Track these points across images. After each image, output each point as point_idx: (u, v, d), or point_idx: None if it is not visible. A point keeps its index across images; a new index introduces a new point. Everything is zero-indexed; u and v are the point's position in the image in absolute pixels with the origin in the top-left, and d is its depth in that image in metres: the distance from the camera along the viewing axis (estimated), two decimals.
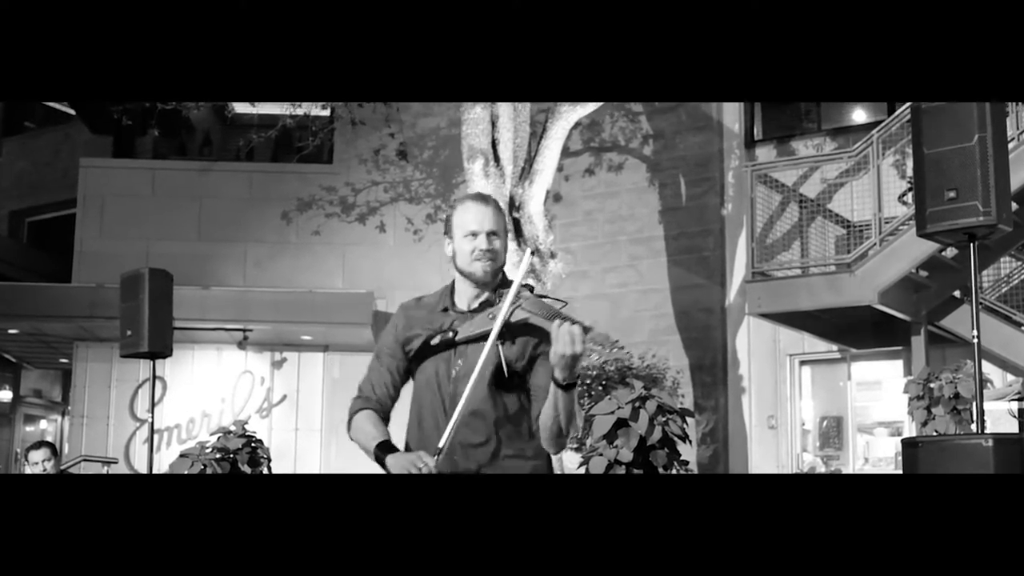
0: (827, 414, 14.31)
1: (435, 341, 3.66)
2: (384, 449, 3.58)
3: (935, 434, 10.01)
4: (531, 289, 3.62)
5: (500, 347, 3.50)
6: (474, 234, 3.62)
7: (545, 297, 3.55)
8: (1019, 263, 12.68)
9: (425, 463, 3.42)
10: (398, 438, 3.72)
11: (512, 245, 11.37)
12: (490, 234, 3.60)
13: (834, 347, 13.82)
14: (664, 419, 9.09)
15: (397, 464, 3.50)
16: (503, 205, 11.41)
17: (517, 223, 11.67)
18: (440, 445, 3.48)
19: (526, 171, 11.92)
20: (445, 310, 3.72)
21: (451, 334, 3.62)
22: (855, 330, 13.05)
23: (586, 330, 3.32)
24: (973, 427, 8.00)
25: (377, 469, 3.59)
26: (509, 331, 3.51)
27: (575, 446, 12.64)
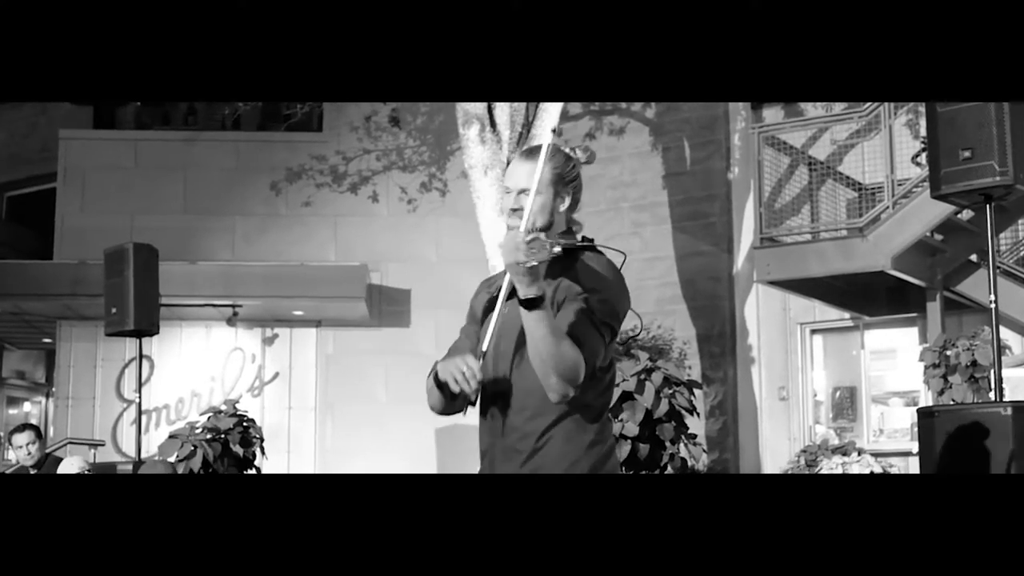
0: (840, 384, 14.33)
1: (485, 304, 3.75)
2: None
3: (952, 403, 10.03)
4: (590, 240, 3.64)
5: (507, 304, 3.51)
6: (508, 190, 3.66)
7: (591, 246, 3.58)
8: None
9: (469, 366, 3.41)
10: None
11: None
12: (520, 192, 3.60)
13: (846, 315, 13.83)
14: (671, 391, 9.12)
15: (444, 369, 3.50)
16: (500, 172, 11.40)
17: None
18: (483, 348, 3.52)
19: (524, 136, 11.90)
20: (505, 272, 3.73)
21: (495, 292, 3.65)
22: (868, 297, 13.06)
23: (543, 231, 3.36)
24: (991, 395, 8.02)
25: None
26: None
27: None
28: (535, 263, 3.22)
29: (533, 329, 3.32)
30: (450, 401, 3.59)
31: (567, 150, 3.71)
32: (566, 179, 3.64)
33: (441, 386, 3.54)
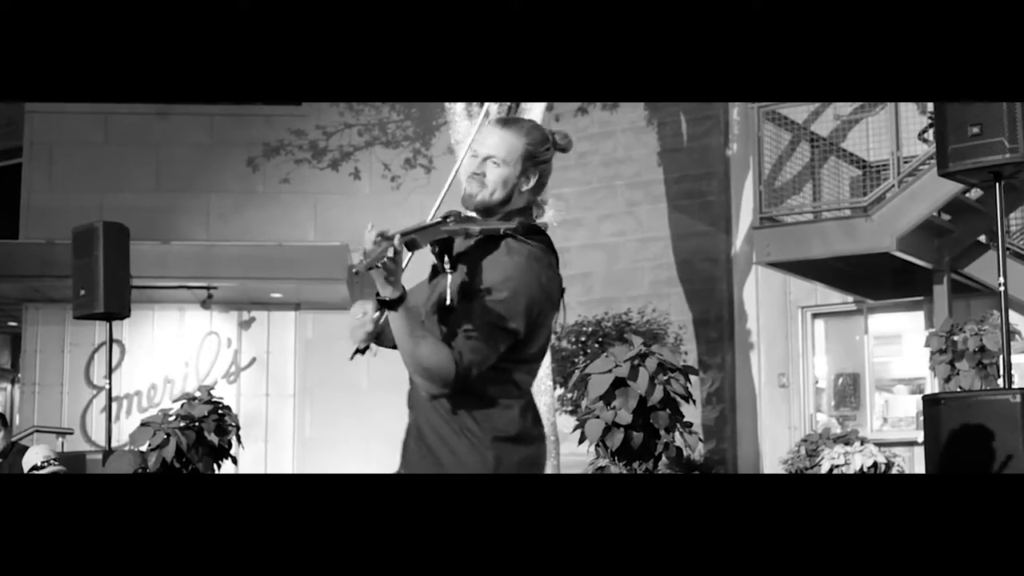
0: (843, 371, 14.37)
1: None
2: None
3: (959, 390, 10.07)
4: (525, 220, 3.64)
5: (449, 276, 3.51)
6: (475, 154, 3.65)
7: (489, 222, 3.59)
8: None
9: (365, 313, 3.52)
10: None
11: None
12: (488, 158, 3.61)
13: (850, 298, 13.86)
14: (666, 378, 9.10)
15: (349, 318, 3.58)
16: None
17: None
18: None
19: (513, 111, 11.89)
20: None
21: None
22: (872, 279, 13.08)
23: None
24: (1000, 382, 8.05)
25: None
26: (458, 258, 3.56)
27: (569, 408, 12.70)
28: (360, 268, 3.31)
29: (394, 328, 3.41)
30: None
31: (548, 131, 3.72)
32: (537, 158, 3.63)
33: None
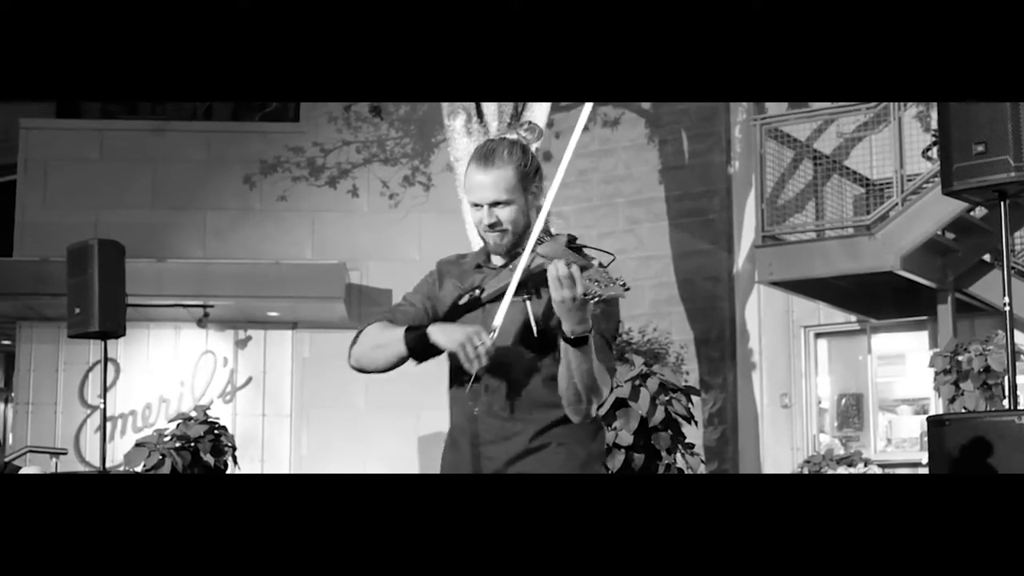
0: (846, 391, 14.36)
1: (463, 300, 3.61)
2: (416, 329, 3.49)
3: (964, 411, 10.06)
4: (573, 239, 3.58)
5: (528, 303, 3.45)
6: (477, 205, 3.59)
7: (585, 247, 3.52)
8: None
9: (484, 342, 3.31)
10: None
11: None
12: (494, 205, 3.56)
13: (853, 318, 13.86)
14: (667, 398, 9.12)
15: (447, 336, 3.41)
16: None
17: None
18: (494, 324, 3.39)
19: (513, 127, 11.90)
20: (479, 267, 3.68)
21: (478, 292, 3.57)
22: (876, 299, 13.09)
23: (584, 268, 3.22)
24: (1005, 403, 8.04)
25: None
26: (534, 283, 3.44)
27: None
28: (599, 297, 3.16)
29: (579, 363, 3.31)
30: (396, 364, 3.57)
31: (513, 136, 3.71)
32: (531, 173, 3.62)
33: (414, 348, 3.48)
